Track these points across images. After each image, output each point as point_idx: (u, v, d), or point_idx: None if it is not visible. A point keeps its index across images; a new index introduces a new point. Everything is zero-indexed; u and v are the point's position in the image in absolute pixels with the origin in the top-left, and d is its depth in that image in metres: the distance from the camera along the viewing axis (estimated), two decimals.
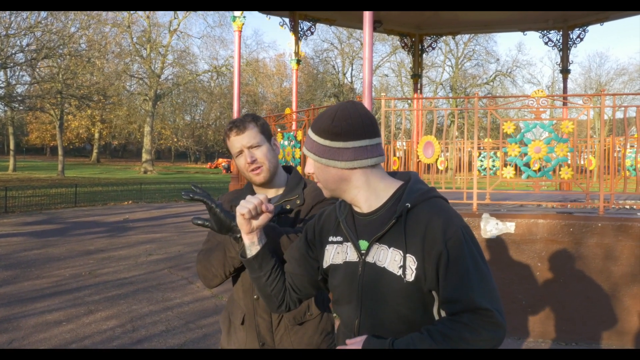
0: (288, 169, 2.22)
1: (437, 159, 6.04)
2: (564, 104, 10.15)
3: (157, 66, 48.36)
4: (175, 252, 9.99)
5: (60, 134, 38.26)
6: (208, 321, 5.81)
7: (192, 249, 10.23)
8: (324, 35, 54.89)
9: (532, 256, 5.34)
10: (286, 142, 7.48)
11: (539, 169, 6.02)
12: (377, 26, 11.94)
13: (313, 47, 58.50)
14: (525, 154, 5.52)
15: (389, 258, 1.48)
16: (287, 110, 7.71)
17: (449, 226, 1.44)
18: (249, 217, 1.68)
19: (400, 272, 1.45)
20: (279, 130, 8.17)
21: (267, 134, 2.11)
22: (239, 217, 1.69)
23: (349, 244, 1.58)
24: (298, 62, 11.14)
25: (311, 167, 1.58)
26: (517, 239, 5.39)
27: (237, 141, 2.06)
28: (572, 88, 50.47)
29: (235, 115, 8.91)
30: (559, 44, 12.22)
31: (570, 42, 12.17)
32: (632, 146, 8.38)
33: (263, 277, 1.73)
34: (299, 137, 7.14)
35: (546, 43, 12.30)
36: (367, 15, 5.96)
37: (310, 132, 1.57)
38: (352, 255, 1.57)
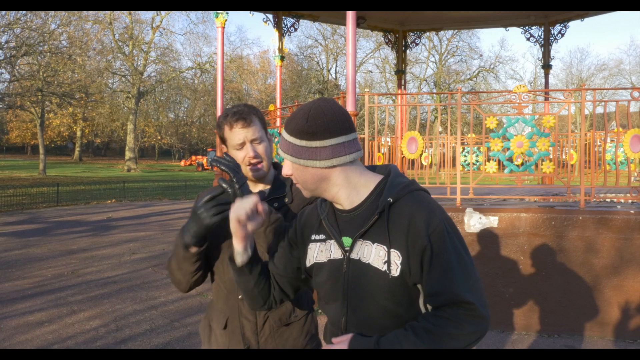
0: (275, 165, 2.17)
1: (421, 155, 6.06)
2: (546, 99, 10.25)
3: (139, 63, 47.94)
4: (159, 250, 9.92)
5: (41, 132, 37.75)
6: (193, 319, 5.78)
7: None
8: (308, 32, 54.97)
9: (515, 250, 5.38)
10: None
11: (522, 164, 6.07)
12: (360, 22, 11.94)
13: (297, 43, 58.39)
14: (508, 149, 5.56)
15: (373, 254, 1.47)
16: (271, 107, 7.69)
17: (431, 219, 1.44)
18: (245, 222, 1.63)
19: (385, 268, 1.44)
20: None
21: (266, 128, 2.07)
22: (233, 223, 1.62)
23: (332, 241, 1.57)
24: (282, 58, 11.11)
25: (289, 168, 1.55)
26: (501, 232, 5.43)
27: (242, 133, 1.98)
28: (553, 83, 51.00)
29: (218, 112, 8.84)
30: (540, 39, 12.32)
31: (551, 38, 12.27)
32: (612, 140, 8.49)
33: (252, 280, 1.70)
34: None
35: (528, 39, 12.39)
36: (350, 15, 5.95)
37: (284, 134, 1.53)
38: (336, 253, 1.56)
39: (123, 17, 47.03)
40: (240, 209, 1.61)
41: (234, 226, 1.62)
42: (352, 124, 1.53)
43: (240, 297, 2.01)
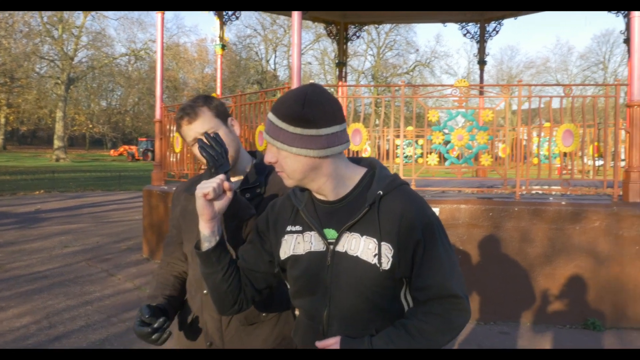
0: (253, 154, 2.08)
1: (364, 146, 6.10)
2: (481, 93, 10.56)
3: (70, 48, 45.78)
4: (93, 243, 9.54)
5: None
6: (131, 315, 5.58)
7: (112, 240, 9.82)
8: (247, 21, 54.11)
9: (455, 240, 5.52)
10: None
11: (458, 157, 6.23)
12: (302, 13, 11.87)
13: (236, 32, 57.36)
14: (449, 142, 5.69)
15: (362, 246, 1.44)
16: (215, 96, 7.52)
17: (423, 214, 1.45)
18: (213, 198, 1.57)
19: (375, 261, 1.42)
20: None
21: (223, 116, 1.95)
22: (200, 201, 1.57)
23: (313, 233, 1.52)
24: (223, 47, 10.91)
25: (274, 156, 1.47)
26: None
27: (190, 130, 1.89)
28: (485, 79, 52.68)
29: (158, 101, 8.57)
30: (476, 36, 12.70)
31: (486, 35, 12.67)
32: (543, 135, 8.87)
33: (220, 271, 1.61)
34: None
35: (465, 35, 12.75)
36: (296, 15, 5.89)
37: (274, 119, 1.44)
38: (317, 245, 1.51)
39: None
40: (206, 184, 1.56)
41: (200, 204, 1.57)
42: (343, 113, 1.48)
43: (205, 292, 1.92)
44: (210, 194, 1.56)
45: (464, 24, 12.69)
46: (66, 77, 44.38)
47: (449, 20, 12.75)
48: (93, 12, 45.67)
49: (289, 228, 1.57)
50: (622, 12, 9.84)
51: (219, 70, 11.27)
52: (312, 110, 1.40)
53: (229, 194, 1.61)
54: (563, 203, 5.48)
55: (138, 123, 56.43)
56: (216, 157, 1.72)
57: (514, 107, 26.22)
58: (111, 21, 67.30)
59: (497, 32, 12.61)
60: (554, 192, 6.05)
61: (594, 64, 53.06)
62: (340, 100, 10.35)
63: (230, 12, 10.90)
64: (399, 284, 1.46)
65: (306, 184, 1.50)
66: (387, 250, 1.41)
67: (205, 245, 1.61)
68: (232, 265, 1.64)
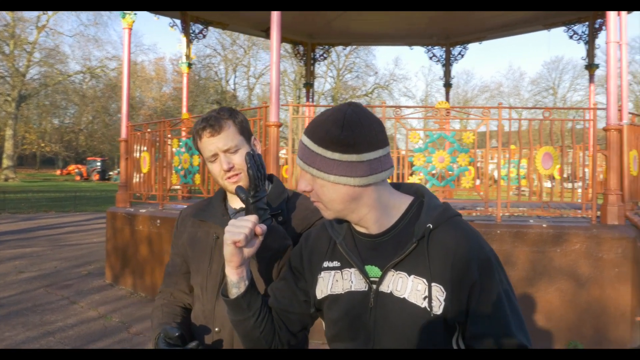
0: (268, 177, 1.91)
1: None
2: (448, 113, 10.67)
3: (21, 64, 44.35)
4: (50, 268, 9.03)
5: None
6: (97, 345, 5.24)
7: (71, 264, 9.32)
8: (206, 41, 53.75)
9: None
10: (183, 149, 7.04)
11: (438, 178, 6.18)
12: (269, 33, 11.78)
13: (195, 52, 56.81)
14: (430, 163, 5.63)
15: (410, 287, 1.27)
16: (185, 115, 7.28)
17: (480, 251, 1.28)
18: (244, 245, 1.39)
19: (425, 304, 1.25)
20: (171, 136, 7.69)
21: (247, 134, 1.79)
22: (229, 248, 1.39)
23: (353, 270, 1.34)
24: (189, 65, 10.67)
25: (308, 184, 1.30)
26: None
27: (211, 144, 1.72)
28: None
29: (124, 119, 8.23)
30: (442, 59, 12.89)
31: (452, 58, 12.88)
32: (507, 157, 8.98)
33: (251, 317, 1.44)
34: None
35: (431, 58, 12.92)
36: (275, 16, 5.77)
37: (308, 142, 1.28)
38: (358, 284, 1.33)
39: (3, 14, 43.38)
40: (237, 230, 1.36)
41: (229, 251, 1.38)
42: (386, 135, 1.31)
43: (217, 329, 1.73)
44: (241, 242, 1.38)
45: (429, 47, 12.87)
46: (17, 94, 42.90)
47: (416, 44, 12.91)
48: (47, 29, 44.56)
49: (325, 264, 1.40)
50: (584, 39, 10.17)
51: (185, 88, 11.03)
52: (352, 133, 1.23)
53: (261, 238, 1.44)
54: (544, 226, 5.48)
55: (93, 142, 54.95)
56: (258, 179, 1.55)
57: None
58: (66, 38, 65.84)
59: (463, 55, 12.84)
60: (533, 215, 6.05)
61: (545, 89, 55.06)
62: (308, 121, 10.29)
63: (197, 30, 10.72)
64: (451, 330, 1.30)
65: (346, 216, 1.33)
66: (439, 292, 1.25)
67: (234, 292, 1.44)
68: (264, 308, 1.47)
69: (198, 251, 1.81)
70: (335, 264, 1.38)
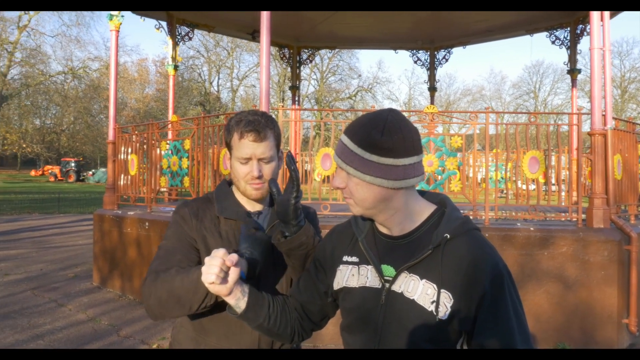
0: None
1: (334, 171, 6.03)
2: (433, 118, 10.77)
3: (2, 64, 43.77)
4: (36, 270, 8.94)
5: None
6: (88, 347, 5.22)
7: (57, 267, 9.23)
8: (190, 43, 53.47)
9: None
10: (171, 152, 7.03)
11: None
12: (256, 36, 11.81)
13: (179, 53, 56.52)
14: None
15: (420, 290, 1.33)
16: (174, 118, 7.26)
17: (493, 266, 1.34)
18: (220, 282, 1.44)
19: (432, 308, 1.31)
20: (159, 138, 7.67)
21: (279, 146, 1.84)
22: (209, 287, 1.45)
23: (370, 267, 1.42)
24: (175, 67, 10.66)
25: (343, 181, 1.38)
26: None
27: (251, 148, 1.75)
28: (425, 105, 54.26)
29: (111, 121, 8.17)
30: (427, 63, 13.02)
31: (437, 62, 13.02)
32: (492, 160, 9.10)
33: (264, 322, 1.53)
34: (187, 147, 6.74)
35: (415, 62, 13.06)
36: (265, 16, 5.77)
37: (348, 142, 1.35)
38: (372, 281, 1.41)
39: None
40: (208, 271, 1.41)
41: (211, 289, 1.46)
42: (421, 143, 1.39)
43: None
44: (216, 282, 1.43)
45: (414, 51, 12.99)
46: None
47: (401, 48, 13.03)
48: (28, 29, 44.01)
49: (345, 258, 1.49)
50: (565, 44, 10.35)
51: (170, 90, 11.01)
52: (391, 139, 1.31)
53: (236, 270, 1.46)
54: (532, 229, 5.57)
55: (74, 143, 54.35)
56: (298, 180, 1.60)
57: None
58: (47, 38, 65.08)
59: (447, 60, 12.99)
60: (520, 219, 6.15)
61: (526, 93, 55.73)
62: (294, 123, 10.30)
63: (183, 32, 10.72)
64: (457, 335, 1.36)
65: (373, 215, 1.41)
66: (446, 299, 1.31)
67: (238, 310, 1.52)
68: (273, 308, 1.56)
69: (224, 244, 1.78)
70: (354, 259, 1.46)
